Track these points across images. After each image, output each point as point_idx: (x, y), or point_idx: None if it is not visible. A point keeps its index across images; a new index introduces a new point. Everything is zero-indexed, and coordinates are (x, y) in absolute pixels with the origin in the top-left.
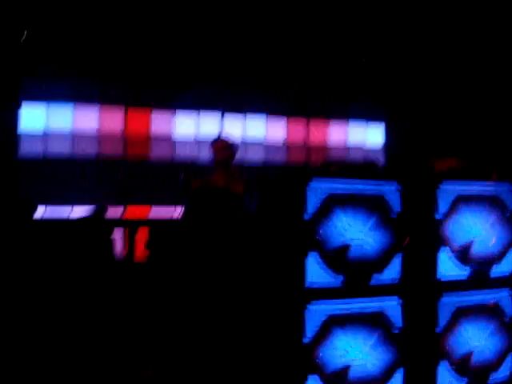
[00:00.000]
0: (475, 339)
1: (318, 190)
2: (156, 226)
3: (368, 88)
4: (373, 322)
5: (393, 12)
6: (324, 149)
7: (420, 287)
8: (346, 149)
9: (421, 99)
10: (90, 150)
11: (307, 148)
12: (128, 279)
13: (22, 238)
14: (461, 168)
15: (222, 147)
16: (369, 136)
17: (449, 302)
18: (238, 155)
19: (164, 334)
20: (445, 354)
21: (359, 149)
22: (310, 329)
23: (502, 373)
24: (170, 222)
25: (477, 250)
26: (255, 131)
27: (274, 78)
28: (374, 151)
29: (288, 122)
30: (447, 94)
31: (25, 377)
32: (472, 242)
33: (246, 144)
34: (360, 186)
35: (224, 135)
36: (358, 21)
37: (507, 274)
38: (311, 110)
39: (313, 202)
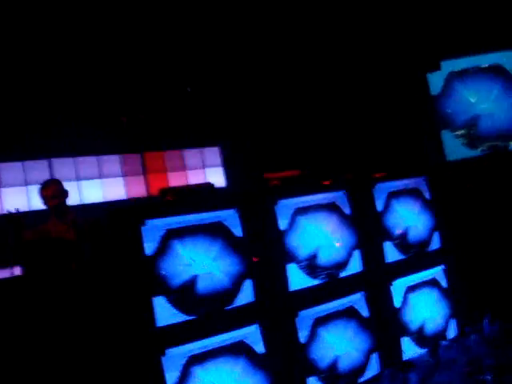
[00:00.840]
0: (337, 346)
1: (154, 228)
2: None
3: (199, 116)
4: (234, 352)
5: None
6: (162, 177)
7: (275, 307)
8: (185, 173)
9: (252, 119)
10: None
11: (145, 179)
12: None
13: None
14: (296, 179)
15: (52, 192)
16: (207, 159)
17: (306, 317)
18: (74, 197)
19: None
20: (312, 368)
21: (198, 172)
22: (170, 373)
23: (370, 372)
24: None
25: (323, 258)
26: (89, 172)
27: (105, 116)
28: (212, 172)
29: (123, 158)
30: (275, 110)
31: None
32: (317, 251)
33: (80, 185)
34: (198, 216)
35: (52, 180)
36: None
37: (356, 275)
38: (146, 145)
39: (150, 241)
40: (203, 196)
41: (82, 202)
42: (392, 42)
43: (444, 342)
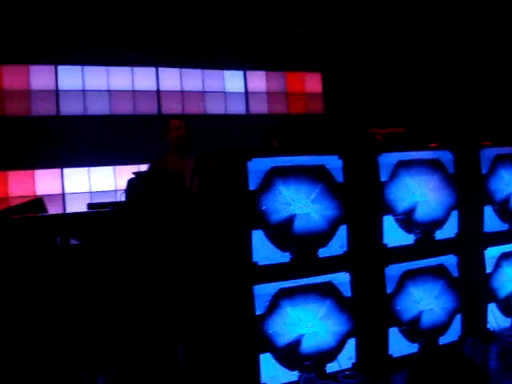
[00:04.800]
0: (423, 301)
1: (259, 164)
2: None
3: (305, 40)
4: (322, 292)
5: None
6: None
7: (367, 256)
8: (286, 97)
9: (359, 58)
10: None
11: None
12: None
13: None
14: (400, 137)
15: (180, 124)
16: (307, 84)
17: (396, 269)
18: None
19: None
20: (395, 320)
21: (299, 96)
22: (260, 305)
23: (451, 334)
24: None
25: (420, 214)
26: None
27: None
28: (312, 98)
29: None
30: (385, 58)
31: None
32: (415, 206)
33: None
34: (302, 158)
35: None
36: None
37: (452, 237)
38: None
39: (255, 177)
40: (308, 143)
41: None
42: None
43: None
